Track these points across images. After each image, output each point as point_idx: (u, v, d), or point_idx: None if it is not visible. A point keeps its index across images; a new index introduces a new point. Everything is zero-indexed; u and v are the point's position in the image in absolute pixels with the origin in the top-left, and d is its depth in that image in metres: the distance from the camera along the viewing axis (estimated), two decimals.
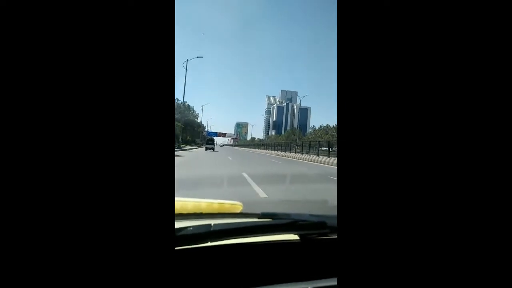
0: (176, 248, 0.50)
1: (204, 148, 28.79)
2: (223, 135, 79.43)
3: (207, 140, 32.25)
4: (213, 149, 27.34)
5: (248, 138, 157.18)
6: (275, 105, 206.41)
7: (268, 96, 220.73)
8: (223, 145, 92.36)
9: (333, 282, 0.47)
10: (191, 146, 38.82)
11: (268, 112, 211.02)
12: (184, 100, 54.67)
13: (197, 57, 20.68)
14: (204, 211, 0.61)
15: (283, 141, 37.19)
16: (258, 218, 0.60)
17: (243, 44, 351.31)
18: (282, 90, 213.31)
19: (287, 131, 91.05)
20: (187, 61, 24.24)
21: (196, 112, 57.08)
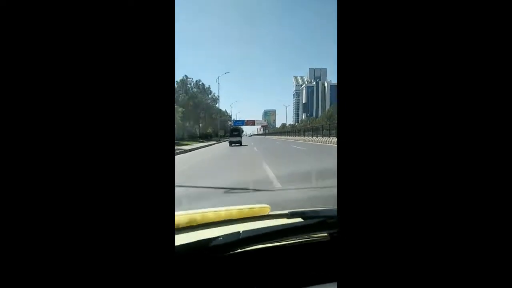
0: (208, 257, 0.51)
1: (227, 143, 20.54)
2: (252, 123, 64.77)
3: (231, 130, 21.31)
4: (240, 142, 19.07)
5: (277, 125, 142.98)
6: (303, 85, 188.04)
7: (296, 77, 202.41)
8: (252, 135, 79.42)
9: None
10: (208, 141, 25.78)
11: (297, 94, 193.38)
12: (198, 79, 41.41)
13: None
14: (234, 217, 0.61)
15: (323, 124, 25.35)
16: (287, 218, 0.60)
17: (265, 27, 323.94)
18: (310, 68, 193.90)
19: (329, 110, 74.48)
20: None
21: (215, 95, 42.72)
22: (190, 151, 13.30)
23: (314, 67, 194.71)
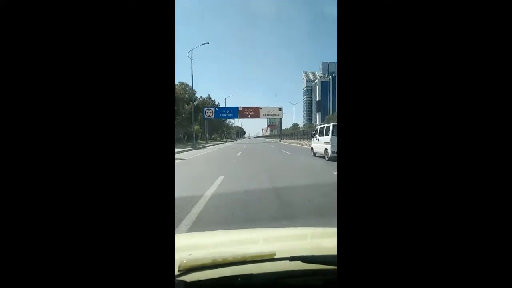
0: None
1: None
2: (254, 112, 32.09)
3: None
4: None
5: (283, 127, 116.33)
6: (317, 81, 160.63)
7: (306, 72, 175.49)
8: (255, 137, 52.89)
9: None
10: None
11: (308, 91, 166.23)
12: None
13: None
14: (248, 259, 0.63)
15: None
16: (289, 261, 0.60)
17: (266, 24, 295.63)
18: (323, 63, 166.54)
19: None
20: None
21: None
22: None
23: (328, 61, 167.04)
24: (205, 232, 1.02)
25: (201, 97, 36.18)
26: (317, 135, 8.91)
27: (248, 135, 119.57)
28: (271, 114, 33.06)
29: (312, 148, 9.56)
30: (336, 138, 7.05)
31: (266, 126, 71.58)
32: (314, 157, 8.97)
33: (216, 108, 31.84)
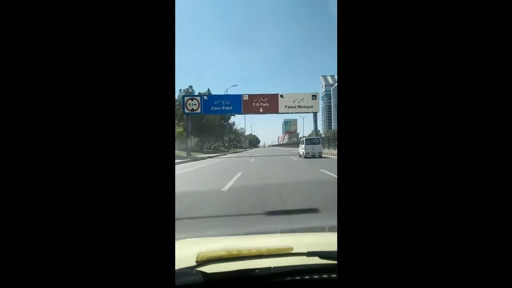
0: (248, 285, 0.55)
1: None
2: (268, 104, 18.92)
3: None
4: None
5: (301, 135, 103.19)
6: (336, 84, 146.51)
7: (324, 76, 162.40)
8: (270, 146, 40.81)
9: None
10: None
11: (327, 96, 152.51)
12: None
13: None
14: (264, 253, 0.64)
15: None
16: (306, 256, 0.60)
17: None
18: None
19: None
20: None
21: None
22: None
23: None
24: (218, 237, 1.09)
25: (190, 87, 24.07)
26: (300, 144, 16.39)
27: (263, 144, 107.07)
28: (299, 106, 19.83)
29: (298, 152, 16.68)
30: (307, 146, 14.40)
31: (282, 134, 58.84)
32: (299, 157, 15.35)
33: (205, 97, 19.43)
